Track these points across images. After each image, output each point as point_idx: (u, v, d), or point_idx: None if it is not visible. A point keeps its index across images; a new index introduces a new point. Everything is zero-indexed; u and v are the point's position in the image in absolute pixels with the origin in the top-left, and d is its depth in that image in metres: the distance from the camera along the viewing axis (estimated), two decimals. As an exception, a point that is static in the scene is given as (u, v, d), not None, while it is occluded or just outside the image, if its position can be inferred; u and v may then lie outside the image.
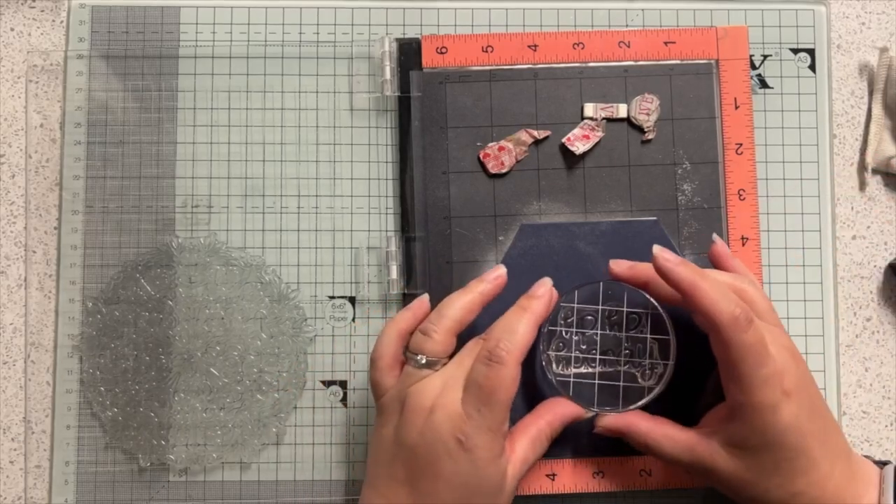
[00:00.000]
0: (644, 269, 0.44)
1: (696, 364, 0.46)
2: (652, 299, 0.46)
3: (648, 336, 0.47)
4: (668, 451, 0.43)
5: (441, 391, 0.41)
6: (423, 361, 0.42)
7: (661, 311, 0.46)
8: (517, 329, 0.42)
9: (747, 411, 0.40)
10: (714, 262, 0.46)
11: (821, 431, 0.41)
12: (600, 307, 0.47)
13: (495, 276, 0.45)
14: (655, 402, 0.46)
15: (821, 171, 0.51)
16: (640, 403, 0.46)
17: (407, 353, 0.44)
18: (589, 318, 0.47)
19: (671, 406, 0.46)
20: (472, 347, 0.43)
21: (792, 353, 0.42)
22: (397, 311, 0.50)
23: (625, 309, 0.47)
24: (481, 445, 0.40)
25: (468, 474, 0.40)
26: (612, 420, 0.45)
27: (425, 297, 0.46)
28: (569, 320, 0.47)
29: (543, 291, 0.44)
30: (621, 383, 0.47)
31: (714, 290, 0.40)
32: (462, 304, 0.44)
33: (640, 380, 0.47)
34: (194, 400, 0.49)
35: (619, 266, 0.45)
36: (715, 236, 0.46)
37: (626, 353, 0.47)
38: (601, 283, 0.47)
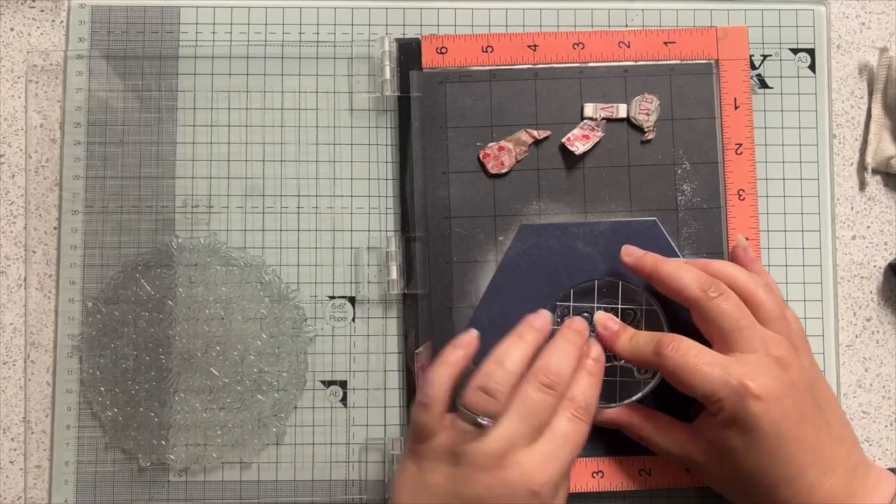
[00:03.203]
0: (648, 261, 0.45)
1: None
2: (647, 295, 0.47)
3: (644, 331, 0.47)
4: (661, 444, 0.45)
5: (509, 446, 0.40)
6: (487, 423, 0.40)
7: (655, 306, 0.46)
8: (592, 394, 0.43)
9: (719, 404, 0.41)
10: (734, 261, 0.47)
11: (811, 441, 0.41)
12: (595, 305, 0.47)
13: (542, 323, 0.44)
14: (651, 395, 0.47)
15: (821, 171, 0.51)
16: (635, 397, 0.47)
17: (464, 410, 0.41)
18: (585, 315, 0.47)
19: (667, 400, 0.47)
20: (533, 396, 0.41)
21: (781, 362, 0.42)
22: (397, 311, 0.50)
23: (619, 306, 0.47)
24: (553, 495, 0.41)
25: None
26: (609, 414, 0.46)
27: (474, 333, 0.43)
28: (566, 318, 0.47)
29: (598, 355, 0.44)
30: (618, 378, 0.47)
31: (676, 268, 0.44)
32: (522, 357, 0.42)
33: (635, 374, 0.47)
34: (194, 400, 0.49)
35: (630, 256, 0.46)
36: (739, 237, 0.48)
37: None
38: (596, 282, 0.47)
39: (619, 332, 0.45)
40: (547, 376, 0.41)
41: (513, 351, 0.42)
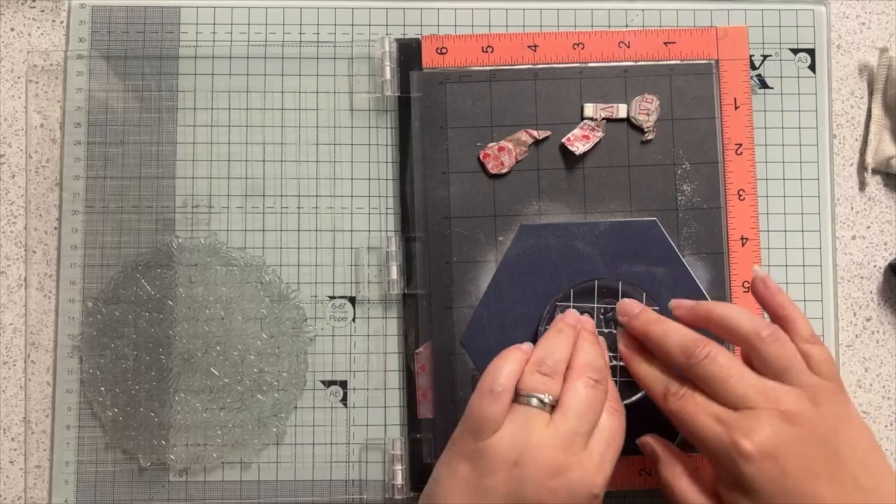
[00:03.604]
0: (639, 322, 0.44)
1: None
2: (647, 296, 0.47)
3: None
4: (674, 486, 0.42)
5: (567, 448, 0.39)
6: (549, 401, 0.40)
7: (655, 308, 0.46)
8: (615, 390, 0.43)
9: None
10: (755, 296, 0.44)
11: (829, 499, 0.37)
12: (595, 305, 0.47)
13: (574, 320, 0.44)
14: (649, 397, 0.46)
15: (821, 171, 0.51)
16: (635, 397, 0.47)
17: (525, 393, 0.40)
18: (585, 315, 0.47)
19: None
20: (584, 391, 0.41)
21: (787, 416, 0.38)
22: (398, 311, 0.50)
23: None
24: (603, 493, 0.40)
25: None
26: (650, 442, 0.44)
27: (531, 345, 0.43)
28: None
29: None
30: (618, 378, 0.47)
31: (663, 331, 0.42)
32: (567, 346, 0.42)
33: None
34: (194, 400, 0.49)
35: (679, 309, 0.44)
36: (755, 268, 0.45)
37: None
38: (596, 282, 0.47)
39: (635, 358, 0.44)
40: (593, 371, 0.41)
41: (557, 341, 0.42)
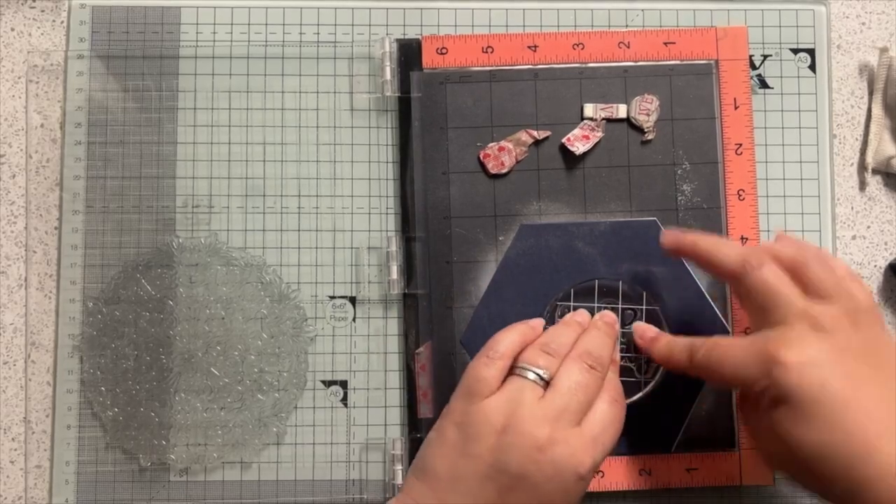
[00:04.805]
0: (688, 239, 0.44)
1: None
2: (647, 295, 0.47)
3: None
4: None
5: (554, 422, 0.39)
6: (546, 376, 0.41)
7: (655, 306, 0.47)
8: (618, 382, 0.44)
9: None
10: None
11: (871, 406, 0.37)
12: (596, 304, 0.48)
13: (583, 318, 0.45)
14: (651, 395, 0.46)
15: (821, 171, 0.51)
16: (636, 397, 0.47)
17: (523, 365, 0.41)
18: (608, 311, 0.47)
19: (667, 402, 0.47)
20: (579, 373, 0.41)
21: (823, 331, 0.38)
22: (398, 311, 0.50)
23: (619, 306, 0.47)
24: (592, 476, 0.40)
25: (573, 501, 0.40)
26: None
27: (541, 322, 0.45)
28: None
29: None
30: (622, 378, 0.47)
31: (715, 242, 0.43)
32: (573, 335, 0.43)
33: (636, 374, 0.47)
34: (195, 400, 0.49)
35: (668, 237, 0.45)
36: (776, 229, 0.46)
37: (622, 347, 0.47)
38: (596, 282, 0.47)
39: (657, 340, 0.45)
40: (590, 358, 0.42)
41: (564, 331, 0.43)
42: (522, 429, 0.39)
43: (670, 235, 0.45)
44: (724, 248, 0.42)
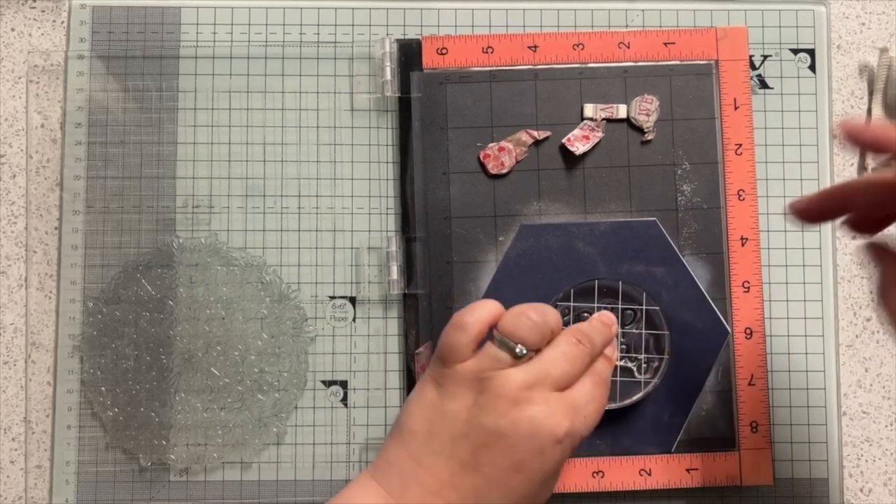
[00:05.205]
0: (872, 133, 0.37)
1: (691, 357, 0.47)
2: (647, 295, 0.47)
3: (644, 331, 0.47)
4: None
5: (533, 385, 0.39)
6: (522, 353, 0.39)
7: (655, 306, 0.47)
8: (608, 368, 0.42)
9: None
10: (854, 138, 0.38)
11: None
12: (596, 305, 0.48)
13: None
14: (651, 395, 0.47)
15: (821, 171, 0.51)
16: (636, 397, 0.47)
17: (500, 337, 0.40)
18: (585, 315, 0.47)
19: (667, 401, 0.47)
20: (567, 346, 0.41)
21: None
22: (398, 311, 0.50)
23: (619, 306, 0.47)
24: (570, 451, 0.40)
25: (552, 470, 0.39)
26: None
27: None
28: (565, 318, 0.47)
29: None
30: (618, 378, 0.47)
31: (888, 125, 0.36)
32: (559, 317, 0.42)
33: (636, 374, 0.47)
34: (195, 400, 0.49)
35: (845, 126, 0.37)
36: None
37: (623, 348, 0.47)
38: (596, 282, 0.47)
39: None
40: (580, 334, 0.41)
41: (551, 309, 0.41)
42: (500, 390, 0.39)
43: (847, 126, 0.37)
44: None
